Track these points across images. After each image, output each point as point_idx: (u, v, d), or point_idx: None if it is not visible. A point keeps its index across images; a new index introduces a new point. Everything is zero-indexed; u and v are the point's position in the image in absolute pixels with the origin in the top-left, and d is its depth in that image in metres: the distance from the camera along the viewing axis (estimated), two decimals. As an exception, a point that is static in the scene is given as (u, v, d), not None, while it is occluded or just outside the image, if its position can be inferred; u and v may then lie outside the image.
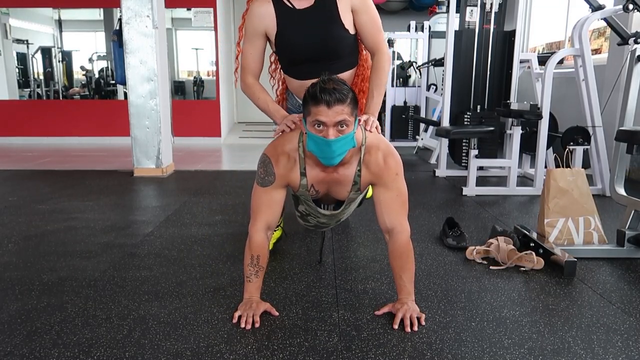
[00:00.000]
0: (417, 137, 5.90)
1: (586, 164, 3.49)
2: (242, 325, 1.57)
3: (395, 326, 1.56)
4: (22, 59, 7.17)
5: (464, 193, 3.54)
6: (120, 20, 4.11)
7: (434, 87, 6.15)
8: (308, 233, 2.57)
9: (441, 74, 4.70)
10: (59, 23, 7.21)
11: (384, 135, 1.93)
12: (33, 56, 7.19)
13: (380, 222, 1.70)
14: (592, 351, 1.44)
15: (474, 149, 3.54)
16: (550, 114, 3.66)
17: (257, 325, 1.57)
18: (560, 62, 4.40)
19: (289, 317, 1.64)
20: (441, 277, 2.01)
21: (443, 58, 4.43)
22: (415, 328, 1.56)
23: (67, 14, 7.20)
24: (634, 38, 3.03)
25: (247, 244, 1.69)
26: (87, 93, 7.38)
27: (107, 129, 6.62)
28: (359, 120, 1.64)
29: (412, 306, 1.62)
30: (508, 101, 3.75)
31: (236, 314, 1.62)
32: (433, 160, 5.04)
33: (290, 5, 1.73)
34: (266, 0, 1.74)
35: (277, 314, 1.66)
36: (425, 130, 5.76)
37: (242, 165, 4.87)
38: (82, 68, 7.42)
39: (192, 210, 3.06)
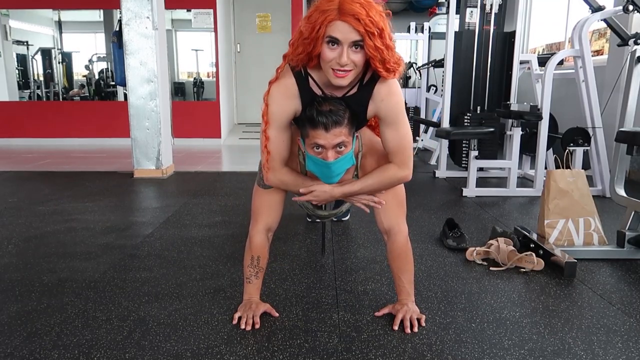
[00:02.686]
0: (417, 138, 5.90)
1: (586, 165, 3.49)
2: (242, 327, 1.57)
3: (395, 327, 1.56)
4: (22, 60, 7.17)
5: (464, 194, 3.54)
6: (120, 21, 4.11)
7: (434, 88, 6.15)
8: (308, 234, 2.57)
9: (441, 75, 4.70)
10: (59, 24, 7.22)
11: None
12: (33, 57, 7.19)
13: (378, 223, 1.70)
14: (592, 352, 1.44)
15: (474, 150, 3.54)
16: (550, 115, 3.66)
17: (257, 326, 1.57)
18: (560, 63, 4.39)
19: (289, 319, 1.64)
20: (441, 278, 2.01)
21: (443, 59, 4.43)
22: (416, 329, 1.56)
23: (67, 15, 7.21)
24: (634, 39, 3.03)
25: (247, 245, 1.70)
26: (87, 94, 7.38)
27: (107, 131, 6.63)
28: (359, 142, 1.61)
29: (412, 307, 1.63)
30: (508, 102, 3.75)
31: (236, 315, 1.62)
32: (433, 162, 5.04)
33: (319, 92, 1.52)
34: (291, 84, 1.50)
35: (277, 314, 1.66)
36: (425, 131, 5.76)
37: (242, 167, 4.87)
38: (87, 67, 7.43)
39: (192, 212, 3.06)
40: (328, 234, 2.56)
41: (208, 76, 7.26)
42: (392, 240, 1.66)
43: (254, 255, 1.67)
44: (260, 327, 1.57)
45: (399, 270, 1.66)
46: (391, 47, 1.40)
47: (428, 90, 6.19)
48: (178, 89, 7.47)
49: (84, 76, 7.46)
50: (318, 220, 2.79)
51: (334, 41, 1.35)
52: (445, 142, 4.18)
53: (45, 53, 7.25)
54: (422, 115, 6.33)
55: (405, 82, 7.21)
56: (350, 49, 1.35)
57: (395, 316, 1.60)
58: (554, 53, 3.78)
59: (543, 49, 6.21)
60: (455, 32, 3.94)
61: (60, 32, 7.26)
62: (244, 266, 1.69)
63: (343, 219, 2.81)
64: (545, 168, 3.61)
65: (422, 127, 5.88)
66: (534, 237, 2.28)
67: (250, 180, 1.74)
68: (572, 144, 3.38)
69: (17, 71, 7.12)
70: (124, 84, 4.30)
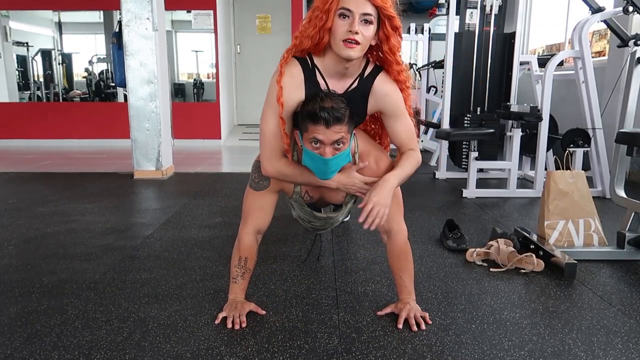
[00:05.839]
0: (417, 139, 5.89)
1: (586, 166, 3.49)
2: (229, 326, 1.57)
3: (400, 326, 1.57)
4: (22, 61, 7.17)
5: (464, 195, 3.54)
6: (120, 22, 4.11)
7: (434, 89, 6.15)
8: (308, 235, 2.56)
9: (441, 76, 4.70)
10: (59, 25, 7.22)
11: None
12: (33, 59, 7.19)
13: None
14: (592, 353, 1.44)
15: (474, 151, 3.54)
16: (550, 116, 3.66)
17: (243, 325, 1.58)
18: (560, 64, 4.39)
19: (289, 319, 1.64)
20: (441, 279, 2.01)
21: (443, 60, 4.44)
22: (423, 327, 1.57)
23: (67, 16, 7.21)
24: (633, 40, 3.03)
25: (235, 246, 1.71)
26: (88, 95, 7.38)
27: (107, 132, 6.62)
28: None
29: (414, 306, 1.64)
30: (508, 103, 3.75)
31: (220, 315, 1.63)
32: (433, 163, 5.04)
33: (324, 85, 1.55)
34: (298, 74, 1.52)
35: (263, 312, 1.66)
36: (425, 132, 5.76)
37: (242, 168, 4.86)
38: (87, 70, 7.44)
39: (192, 213, 3.06)
40: (328, 235, 2.56)
41: (208, 77, 7.27)
42: (392, 241, 1.67)
43: (242, 256, 1.68)
44: (260, 328, 1.58)
45: (399, 270, 1.66)
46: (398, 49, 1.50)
47: (428, 91, 6.19)
48: (178, 90, 7.47)
49: (83, 77, 7.46)
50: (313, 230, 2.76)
51: (346, 13, 1.41)
52: (445, 143, 4.18)
53: (45, 54, 7.25)
54: (423, 116, 6.33)
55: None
56: (360, 22, 1.42)
57: (398, 315, 1.61)
58: (554, 54, 3.79)
59: (543, 50, 6.21)
60: (455, 33, 3.94)
61: (60, 33, 7.26)
62: (230, 266, 1.70)
63: (344, 220, 2.81)
64: (545, 169, 3.61)
65: (422, 128, 5.88)
66: (534, 238, 2.28)
67: (251, 182, 1.74)
68: (572, 145, 3.38)
69: (17, 72, 7.12)
70: (124, 85, 4.30)
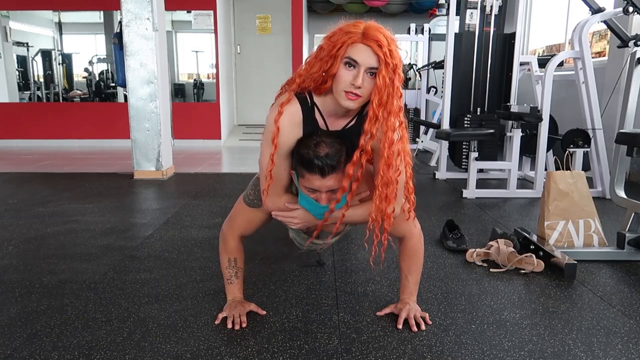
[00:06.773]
0: (417, 139, 5.90)
1: (586, 167, 3.49)
2: (229, 326, 1.57)
3: (400, 326, 1.57)
4: (22, 61, 7.17)
5: (464, 195, 3.54)
6: (120, 22, 4.11)
7: (434, 90, 6.15)
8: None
9: (441, 76, 4.71)
10: (59, 26, 7.22)
11: None
12: (33, 59, 7.20)
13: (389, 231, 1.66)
14: (592, 354, 1.44)
15: (474, 151, 3.54)
16: (550, 117, 3.66)
17: (244, 325, 1.58)
18: (560, 64, 4.39)
19: (289, 320, 1.64)
20: (441, 279, 2.01)
21: (443, 60, 4.44)
22: (423, 327, 1.57)
23: (68, 16, 7.21)
24: (634, 40, 3.03)
25: (221, 247, 1.70)
26: (88, 95, 7.38)
27: (107, 132, 6.63)
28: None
29: (414, 306, 1.64)
30: (508, 104, 3.75)
31: (220, 315, 1.63)
32: (433, 163, 5.04)
33: (322, 122, 1.51)
34: (295, 112, 1.47)
35: (263, 312, 1.67)
36: (426, 132, 5.76)
37: (242, 168, 4.87)
38: (87, 70, 7.45)
39: (192, 213, 3.06)
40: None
41: (208, 77, 7.27)
42: (405, 243, 1.66)
43: (231, 257, 1.68)
44: (260, 328, 1.58)
45: (407, 270, 1.66)
46: (395, 110, 1.39)
47: (428, 91, 6.20)
48: (178, 90, 7.47)
49: (84, 77, 7.46)
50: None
51: (352, 63, 1.34)
52: (445, 144, 4.18)
53: (46, 54, 7.26)
54: (423, 117, 6.33)
55: (405, 83, 7.21)
56: (365, 74, 1.35)
57: (398, 315, 1.61)
58: (554, 54, 3.79)
59: (543, 51, 6.21)
60: (456, 33, 3.94)
61: (61, 34, 7.26)
62: (221, 268, 1.70)
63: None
64: (545, 169, 3.61)
65: (423, 128, 5.88)
66: (534, 238, 2.28)
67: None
68: (572, 146, 3.38)
69: (17, 72, 7.12)
70: (124, 85, 4.30)
